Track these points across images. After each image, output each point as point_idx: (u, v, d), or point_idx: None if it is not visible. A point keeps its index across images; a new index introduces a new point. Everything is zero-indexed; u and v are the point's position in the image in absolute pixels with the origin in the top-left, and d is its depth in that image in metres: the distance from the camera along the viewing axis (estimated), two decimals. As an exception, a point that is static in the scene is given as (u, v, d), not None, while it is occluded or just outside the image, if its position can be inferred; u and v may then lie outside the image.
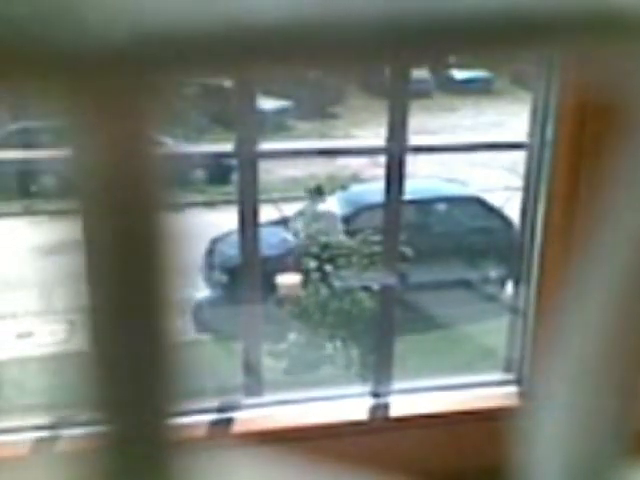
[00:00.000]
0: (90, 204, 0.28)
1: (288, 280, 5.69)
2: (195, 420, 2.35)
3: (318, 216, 6.12)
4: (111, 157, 0.27)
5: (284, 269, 5.75)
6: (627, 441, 0.41)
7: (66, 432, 2.48)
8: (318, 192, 6.29)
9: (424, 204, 6.56)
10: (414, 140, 2.61)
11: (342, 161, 7.99)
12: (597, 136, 2.45)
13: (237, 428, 2.59)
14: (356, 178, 7.82)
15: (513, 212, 5.07)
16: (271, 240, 5.55)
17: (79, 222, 0.28)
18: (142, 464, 0.32)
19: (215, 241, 6.18)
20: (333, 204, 6.31)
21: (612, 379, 0.40)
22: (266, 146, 2.58)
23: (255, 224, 2.55)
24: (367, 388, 2.81)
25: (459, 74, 10.75)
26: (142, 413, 0.31)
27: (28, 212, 6.66)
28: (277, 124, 8.89)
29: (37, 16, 0.24)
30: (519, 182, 2.90)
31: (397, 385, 2.80)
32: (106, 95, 0.26)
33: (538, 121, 2.62)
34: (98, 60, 0.24)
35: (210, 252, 6.16)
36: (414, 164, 2.76)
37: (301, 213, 6.75)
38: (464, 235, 6.64)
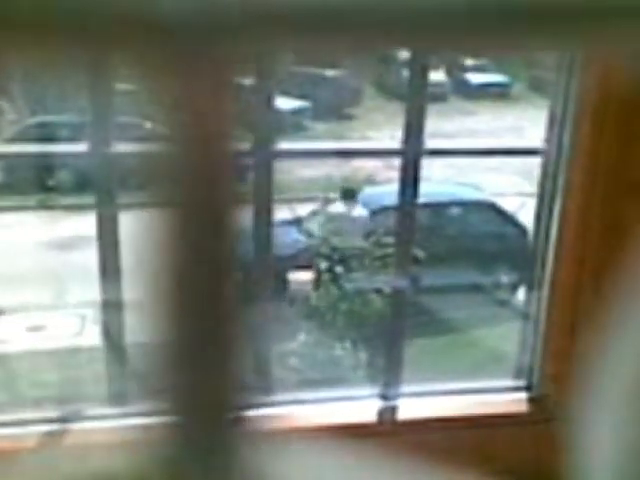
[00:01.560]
0: (169, 194, 0.29)
1: (300, 277, 5.70)
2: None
3: (349, 219, 6.08)
4: (186, 152, 0.28)
5: (297, 266, 5.76)
6: None
7: (78, 425, 2.49)
8: (349, 194, 6.24)
9: (438, 208, 6.54)
10: (429, 143, 2.61)
11: (357, 163, 7.98)
12: (615, 143, 2.44)
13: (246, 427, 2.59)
14: (371, 180, 7.81)
15: (527, 218, 5.05)
16: (284, 239, 5.56)
17: (155, 214, 0.29)
18: (208, 455, 0.32)
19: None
20: (362, 208, 6.25)
21: None
22: (282, 146, 2.59)
23: (269, 223, 2.55)
24: (376, 390, 2.81)
25: (476, 78, 10.72)
26: (209, 403, 0.32)
27: (44, 206, 6.69)
28: (294, 124, 8.90)
29: None
30: (533, 188, 2.89)
31: (406, 388, 2.80)
32: (187, 62, 0.26)
33: (555, 128, 2.61)
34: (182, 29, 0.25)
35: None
36: (429, 167, 2.76)
37: (314, 213, 6.75)
38: (477, 240, 6.62)
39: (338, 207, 6.23)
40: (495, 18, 0.28)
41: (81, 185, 6.13)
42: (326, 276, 5.64)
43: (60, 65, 0.29)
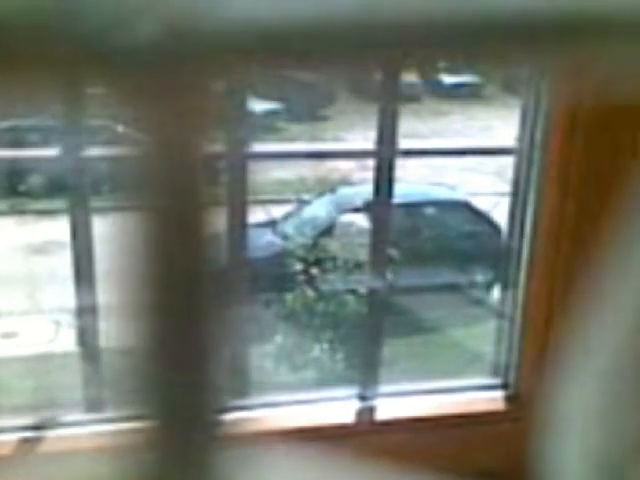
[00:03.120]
0: (142, 198, 0.28)
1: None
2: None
3: (346, 229, 6.04)
4: (158, 157, 0.28)
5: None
6: None
7: (53, 432, 2.47)
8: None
9: (412, 208, 6.57)
10: (403, 144, 2.62)
11: (331, 164, 7.99)
12: (586, 142, 2.46)
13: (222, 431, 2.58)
14: (345, 181, 7.82)
15: (501, 217, 5.09)
16: (258, 242, 5.55)
17: (131, 218, 0.29)
18: (187, 459, 0.32)
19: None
20: (361, 217, 6.20)
21: (631, 382, 0.40)
22: (256, 148, 2.58)
23: (243, 225, 2.54)
24: (353, 391, 2.81)
25: (448, 79, 10.78)
26: (188, 408, 0.32)
27: (15, 211, 6.62)
28: (267, 126, 8.88)
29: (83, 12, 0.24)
30: (507, 187, 2.91)
31: (383, 388, 2.80)
32: (154, 89, 0.26)
33: (527, 127, 2.63)
34: (140, 55, 0.25)
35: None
36: (403, 168, 2.77)
37: (289, 215, 6.74)
38: (452, 239, 6.65)
39: (353, 218, 6.16)
40: (470, 34, 0.28)
41: (53, 189, 6.08)
42: (302, 278, 5.64)
43: (30, 92, 0.29)
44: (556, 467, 0.42)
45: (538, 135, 2.60)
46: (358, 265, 5.42)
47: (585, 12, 0.29)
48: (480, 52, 0.30)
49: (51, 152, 2.61)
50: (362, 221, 6.11)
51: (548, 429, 0.42)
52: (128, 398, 0.32)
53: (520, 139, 2.67)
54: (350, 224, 6.09)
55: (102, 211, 2.39)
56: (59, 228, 2.90)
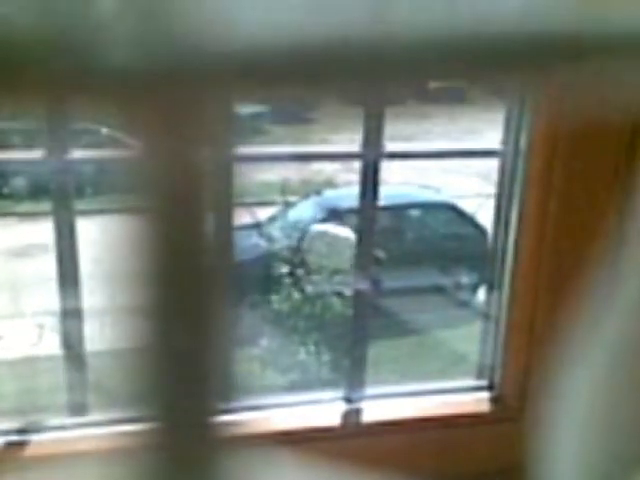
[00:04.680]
0: (143, 203, 0.28)
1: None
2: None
3: (332, 240, 6.02)
4: (158, 161, 0.28)
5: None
6: (637, 445, 0.42)
7: (37, 436, 2.45)
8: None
9: (398, 210, 6.58)
10: (388, 146, 2.62)
11: (316, 166, 8.00)
12: (571, 144, 2.48)
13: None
14: (330, 183, 7.83)
15: (486, 219, 5.10)
16: (243, 244, 5.54)
17: (131, 221, 0.29)
18: (188, 461, 0.32)
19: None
20: (347, 229, 6.19)
21: (625, 387, 0.40)
22: (241, 150, 2.57)
23: (230, 228, 2.53)
24: (339, 393, 2.81)
25: (433, 82, 10.83)
26: (189, 410, 0.32)
27: (-2, 214, 6.58)
28: (253, 128, 8.88)
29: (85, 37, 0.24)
30: (492, 189, 2.93)
31: (369, 391, 2.80)
32: (151, 109, 0.27)
33: (512, 130, 2.65)
34: (139, 77, 0.25)
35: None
36: (388, 170, 2.77)
37: (274, 218, 6.74)
38: (437, 241, 6.68)
39: (339, 230, 6.14)
40: (455, 57, 0.29)
41: (36, 192, 6.04)
42: (287, 280, 5.63)
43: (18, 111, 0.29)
44: (550, 470, 0.42)
45: (522, 138, 2.61)
46: (341, 270, 5.43)
47: (566, 33, 0.29)
48: (463, 74, 0.30)
49: (34, 154, 2.60)
50: (339, 230, 6.11)
51: (541, 431, 0.42)
52: (126, 400, 0.32)
53: (505, 142, 2.68)
54: (339, 236, 6.07)
55: (86, 214, 2.38)
56: (42, 231, 2.88)
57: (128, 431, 0.32)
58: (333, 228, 6.12)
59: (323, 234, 6.10)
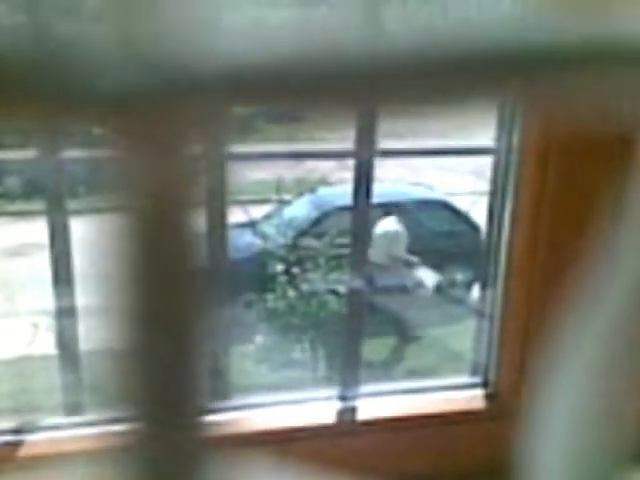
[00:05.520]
0: (128, 205, 0.29)
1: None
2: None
3: (385, 235, 6.03)
4: (141, 163, 0.28)
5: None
6: (629, 444, 0.42)
7: (31, 436, 2.45)
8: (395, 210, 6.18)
9: (391, 208, 6.59)
10: (382, 144, 2.62)
11: (310, 164, 8.00)
12: (564, 141, 2.48)
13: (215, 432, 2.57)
14: (324, 181, 7.83)
15: (480, 216, 5.11)
16: (238, 243, 5.54)
17: (111, 222, 0.29)
18: (173, 462, 0.32)
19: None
20: (396, 223, 6.20)
21: (614, 383, 0.40)
22: (234, 149, 2.57)
23: (223, 227, 2.54)
24: (334, 391, 2.81)
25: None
26: (172, 411, 0.32)
27: (-9, 213, 6.56)
28: (246, 127, 8.86)
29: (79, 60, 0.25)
30: (485, 186, 2.93)
31: (364, 388, 2.81)
32: (142, 125, 0.27)
33: (505, 126, 2.65)
34: (130, 97, 0.25)
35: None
36: (382, 168, 2.77)
37: (269, 216, 6.74)
38: (431, 239, 6.68)
39: (390, 224, 6.17)
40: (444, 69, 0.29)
41: (30, 191, 6.03)
42: (282, 278, 5.63)
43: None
44: (537, 468, 0.42)
45: (515, 136, 2.61)
46: (339, 265, 5.43)
47: (553, 44, 0.29)
48: (452, 85, 0.31)
49: (28, 154, 2.59)
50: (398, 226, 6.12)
51: (530, 429, 0.43)
52: (111, 400, 0.32)
53: (498, 139, 2.69)
54: (391, 232, 6.10)
55: (80, 213, 2.37)
56: (36, 230, 2.88)
57: (114, 431, 0.32)
58: (389, 223, 6.16)
59: (385, 230, 6.12)
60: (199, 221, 0.30)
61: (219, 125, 0.29)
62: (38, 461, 2.35)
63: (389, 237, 6.09)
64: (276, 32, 0.27)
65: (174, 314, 0.30)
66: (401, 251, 5.94)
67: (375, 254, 6.02)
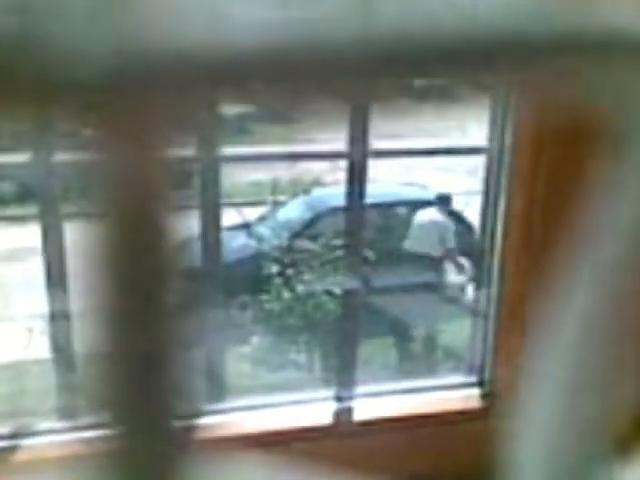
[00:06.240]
0: (100, 207, 0.28)
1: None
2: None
3: (431, 225, 5.99)
4: (120, 165, 0.28)
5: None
6: (607, 440, 0.42)
7: (27, 440, 2.44)
8: (445, 200, 6.13)
9: (385, 208, 6.58)
10: (375, 144, 2.62)
11: (304, 165, 7.99)
12: (556, 140, 2.49)
13: (198, 434, 2.57)
14: (318, 182, 7.82)
15: (474, 216, 5.11)
16: (232, 245, 5.53)
17: (89, 226, 0.29)
18: (151, 466, 0.32)
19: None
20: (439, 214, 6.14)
21: (592, 381, 0.40)
22: (228, 150, 2.57)
23: (217, 229, 2.53)
24: (331, 392, 2.81)
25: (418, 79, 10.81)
26: (149, 415, 0.31)
27: (-15, 218, 6.54)
28: (239, 128, 8.86)
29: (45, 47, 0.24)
30: (479, 186, 2.93)
31: (361, 389, 2.81)
32: (110, 113, 0.26)
33: (497, 126, 2.65)
34: (95, 84, 0.25)
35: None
36: (375, 168, 2.78)
37: (263, 217, 6.73)
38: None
39: (433, 214, 6.13)
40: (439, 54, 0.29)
41: (23, 196, 6.01)
42: (277, 280, 5.63)
43: None
44: (517, 467, 0.42)
45: (508, 135, 2.62)
46: (334, 266, 5.42)
47: (548, 32, 0.29)
48: (447, 71, 0.31)
49: (21, 158, 2.59)
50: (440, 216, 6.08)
51: (512, 427, 0.43)
52: (92, 405, 0.32)
53: (491, 138, 2.69)
54: (437, 221, 6.03)
55: (73, 217, 2.36)
56: (30, 234, 2.87)
57: (95, 436, 0.32)
58: (432, 213, 6.13)
59: (434, 220, 6.07)
60: (180, 221, 0.29)
61: (198, 116, 0.29)
62: (33, 465, 2.34)
63: (439, 227, 6.02)
64: (269, 13, 0.26)
65: (152, 316, 0.30)
66: (452, 242, 5.83)
67: (421, 245, 6.01)
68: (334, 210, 5.84)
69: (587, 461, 0.41)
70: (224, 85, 0.28)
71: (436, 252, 6.06)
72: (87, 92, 0.25)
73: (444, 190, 6.36)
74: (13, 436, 2.44)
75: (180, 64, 0.26)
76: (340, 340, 2.87)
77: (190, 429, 0.33)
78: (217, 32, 0.26)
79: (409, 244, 6.14)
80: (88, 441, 0.32)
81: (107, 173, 0.28)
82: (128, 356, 0.31)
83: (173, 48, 0.25)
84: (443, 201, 6.13)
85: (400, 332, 5.90)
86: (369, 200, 2.73)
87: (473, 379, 2.90)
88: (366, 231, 2.84)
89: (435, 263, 6.22)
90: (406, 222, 6.59)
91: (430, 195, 7.23)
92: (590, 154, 0.37)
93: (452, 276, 6.28)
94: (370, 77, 0.30)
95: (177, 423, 0.32)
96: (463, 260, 5.85)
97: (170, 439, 0.32)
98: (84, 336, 0.30)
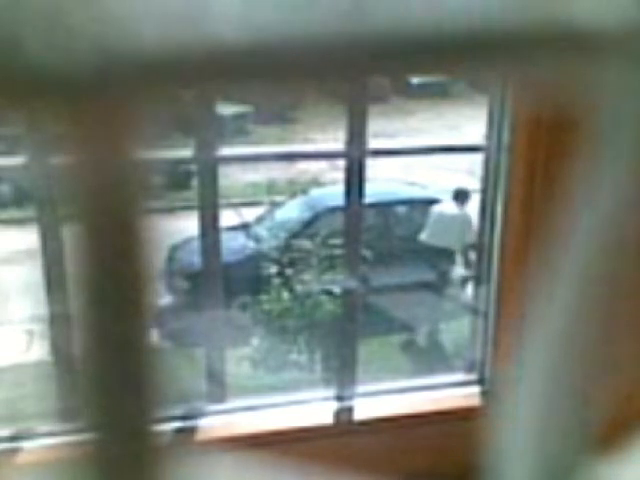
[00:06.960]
0: (75, 211, 0.28)
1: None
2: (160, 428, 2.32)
3: (452, 220, 5.95)
4: (94, 167, 0.27)
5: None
6: (593, 439, 0.42)
7: (27, 443, 2.44)
8: (462, 196, 6.08)
9: (384, 207, 6.59)
10: (373, 144, 2.62)
11: (302, 165, 8.00)
12: (553, 138, 2.49)
13: (200, 436, 2.57)
14: (316, 182, 7.83)
15: (473, 214, 5.12)
16: (231, 246, 5.53)
17: (64, 229, 0.29)
18: (126, 471, 0.31)
19: (175, 247, 6.13)
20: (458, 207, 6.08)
21: (577, 379, 0.40)
22: (225, 151, 2.57)
23: (215, 229, 2.53)
24: (331, 392, 2.81)
25: (415, 78, 10.84)
26: (125, 421, 0.31)
27: (-17, 221, 6.53)
28: (236, 129, 8.86)
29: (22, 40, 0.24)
30: (478, 184, 2.93)
31: (361, 388, 2.81)
32: (88, 113, 0.26)
33: (495, 124, 2.65)
34: (76, 82, 0.25)
35: (170, 258, 6.11)
36: (373, 167, 2.78)
37: (262, 218, 6.73)
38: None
39: (449, 207, 6.09)
40: (430, 48, 0.29)
41: (20, 198, 6.01)
42: (276, 280, 5.63)
43: None
44: (501, 464, 0.42)
45: (505, 132, 2.62)
46: (332, 266, 5.42)
47: (542, 24, 0.29)
48: (441, 65, 0.30)
49: (17, 160, 2.58)
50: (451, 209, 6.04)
51: (499, 425, 0.43)
52: (76, 410, 0.32)
53: (488, 137, 2.69)
54: (458, 215, 5.97)
55: (69, 219, 2.36)
56: (28, 237, 2.87)
57: (73, 441, 0.32)
58: (451, 206, 6.09)
59: (455, 214, 6.03)
60: (155, 223, 0.29)
61: (196, 117, 0.29)
62: (33, 467, 2.34)
63: (460, 221, 5.96)
64: (261, 10, 0.26)
65: (127, 321, 0.30)
66: (473, 237, 5.76)
67: (440, 239, 5.98)
68: (332, 210, 5.85)
69: (572, 461, 0.41)
70: (212, 83, 0.27)
71: (454, 246, 6.04)
72: (65, 92, 0.25)
73: (461, 186, 6.32)
74: (13, 438, 2.44)
75: (165, 62, 0.25)
76: (340, 340, 2.87)
77: (180, 432, 0.33)
78: (204, 29, 0.25)
79: (427, 237, 6.11)
80: (77, 444, 0.32)
81: (81, 176, 0.28)
82: (104, 362, 0.30)
83: (157, 45, 0.25)
84: (461, 196, 6.10)
85: (400, 331, 5.90)
86: (368, 199, 2.73)
87: (473, 377, 2.91)
88: (365, 231, 2.83)
89: (448, 257, 6.22)
90: (421, 216, 6.57)
91: (430, 194, 7.24)
92: (580, 150, 0.36)
93: (459, 270, 6.27)
94: (363, 73, 0.30)
95: (157, 427, 0.32)
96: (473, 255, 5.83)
97: (150, 443, 0.32)
98: (62, 341, 0.31)
